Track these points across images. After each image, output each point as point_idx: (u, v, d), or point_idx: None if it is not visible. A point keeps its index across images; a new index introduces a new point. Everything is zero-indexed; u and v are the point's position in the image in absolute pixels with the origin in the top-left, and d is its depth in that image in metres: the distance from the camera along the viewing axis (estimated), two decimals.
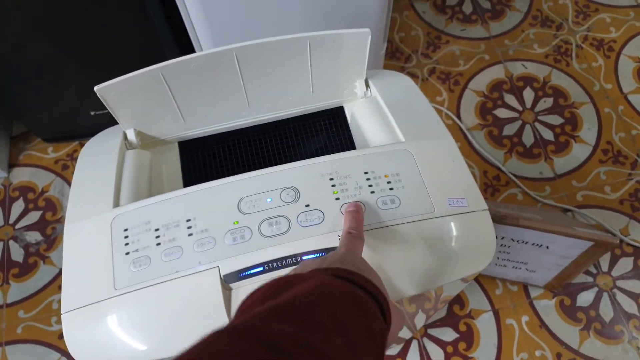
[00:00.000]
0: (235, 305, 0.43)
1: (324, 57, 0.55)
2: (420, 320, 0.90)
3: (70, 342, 0.42)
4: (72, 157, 1.13)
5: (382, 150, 0.50)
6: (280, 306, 0.28)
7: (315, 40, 0.53)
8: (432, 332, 0.97)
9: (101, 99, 0.51)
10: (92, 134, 1.22)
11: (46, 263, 1.01)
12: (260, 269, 0.43)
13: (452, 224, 0.47)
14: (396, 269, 0.46)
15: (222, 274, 0.43)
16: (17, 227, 1.05)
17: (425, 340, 0.96)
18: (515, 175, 1.11)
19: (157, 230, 0.45)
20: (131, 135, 0.55)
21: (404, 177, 0.48)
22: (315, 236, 0.44)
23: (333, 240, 0.44)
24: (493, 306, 0.99)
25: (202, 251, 0.43)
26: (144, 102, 0.53)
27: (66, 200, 1.08)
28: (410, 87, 0.60)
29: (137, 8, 0.86)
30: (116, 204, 0.48)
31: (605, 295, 1.00)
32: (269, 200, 0.46)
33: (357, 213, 0.44)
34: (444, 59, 1.27)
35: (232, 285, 0.43)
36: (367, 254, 0.45)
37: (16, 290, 0.99)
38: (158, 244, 0.44)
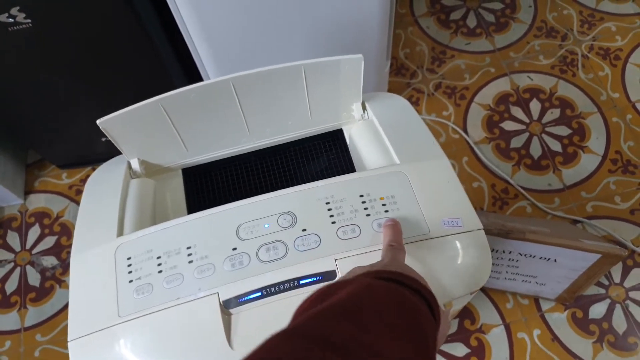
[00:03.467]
0: (235, 329, 0.44)
1: (319, 83, 0.57)
2: None
3: None
4: (85, 182, 1.16)
5: (377, 173, 0.51)
6: (332, 307, 0.29)
7: (309, 68, 0.55)
8: (443, 347, 0.97)
9: (104, 132, 0.53)
10: (104, 159, 1.25)
11: (62, 287, 1.04)
12: (259, 294, 0.44)
13: (447, 244, 0.47)
14: None
15: (221, 300, 0.44)
16: (33, 252, 1.08)
17: (436, 356, 0.96)
18: (523, 188, 1.11)
19: (158, 257, 0.46)
20: (135, 165, 0.58)
21: (399, 199, 0.49)
22: (312, 260, 0.45)
23: (330, 264, 0.45)
24: (504, 320, 0.98)
25: (202, 277, 0.45)
26: (146, 132, 0.55)
27: None
28: (406, 108, 0.61)
29: (145, 42, 0.89)
30: (120, 233, 0.50)
31: (617, 307, 0.98)
32: (266, 225, 0.47)
33: (395, 227, 0.46)
34: (450, 74, 1.28)
35: (232, 310, 0.44)
36: None
37: (33, 314, 1.01)
38: (160, 272, 0.45)
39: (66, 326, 0.99)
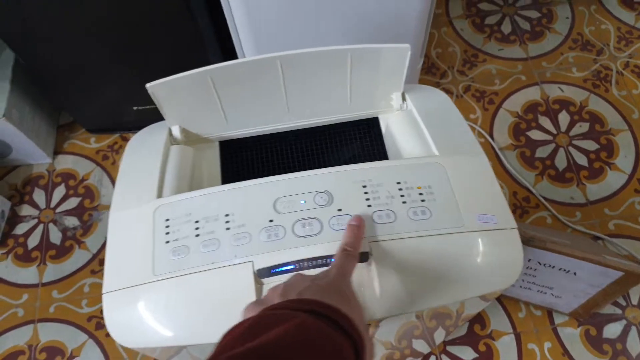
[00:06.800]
0: None
1: (363, 69, 0.57)
2: (439, 336, 0.90)
3: (109, 321, 0.45)
4: (113, 148, 1.18)
5: (415, 162, 0.51)
6: (255, 351, 0.29)
7: (356, 53, 0.55)
8: (451, 349, 0.97)
9: (151, 96, 0.54)
10: (133, 127, 1.26)
11: (81, 248, 1.06)
12: (292, 267, 0.45)
13: (481, 239, 0.48)
14: (422, 280, 0.47)
15: (255, 269, 0.45)
16: (57, 211, 1.10)
17: (444, 357, 0.96)
18: (545, 199, 1.10)
19: (196, 222, 0.47)
20: (176, 132, 0.58)
21: (436, 190, 0.49)
22: None
23: (363, 245, 0.46)
24: (515, 329, 0.98)
25: (238, 245, 0.46)
26: (191, 101, 0.56)
27: (104, 189, 1.13)
28: (446, 102, 0.61)
29: (184, 12, 0.89)
30: (159, 195, 0.51)
31: (633, 329, 0.97)
32: (303, 202, 0.48)
33: (357, 228, 0.45)
34: (480, 77, 1.28)
35: (264, 280, 0.45)
36: (395, 263, 0.46)
37: (52, 271, 1.03)
38: (197, 235, 0.46)
39: (82, 286, 1.02)
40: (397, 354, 0.90)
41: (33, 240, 1.07)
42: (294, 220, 0.47)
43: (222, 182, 0.60)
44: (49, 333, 0.98)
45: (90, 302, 1.00)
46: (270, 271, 0.45)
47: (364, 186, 0.49)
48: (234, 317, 0.44)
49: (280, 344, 0.29)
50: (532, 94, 1.25)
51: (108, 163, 1.16)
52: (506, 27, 1.36)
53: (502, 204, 0.50)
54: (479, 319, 0.99)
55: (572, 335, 0.97)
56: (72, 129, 1.21)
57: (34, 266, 1.04)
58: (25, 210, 1.11)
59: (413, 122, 0.58)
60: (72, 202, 1.11)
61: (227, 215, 0.47)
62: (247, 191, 0.49)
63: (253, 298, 0.44)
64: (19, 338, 0.97)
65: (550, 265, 0.86)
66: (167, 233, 0.47)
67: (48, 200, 1.12)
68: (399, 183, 0.49)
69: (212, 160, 0.62)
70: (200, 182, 0.59)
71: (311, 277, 0.39)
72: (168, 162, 0.55)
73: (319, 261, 0.45)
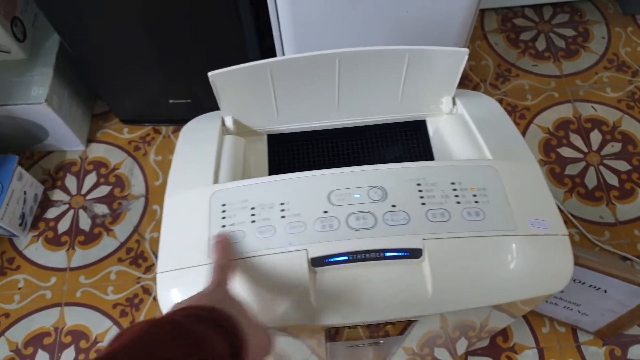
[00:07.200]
0: (318, 287, 0.45)
1: (418, 71, 0.58)
2: (461, 346, 0.89)
3: (162, 300, 0.46)
4: (145, 140, 1.20)
5: (469, 164, 0.52)
6: (109, 355, 0.29)
7: (414, 54, 0.55)
8: (473, 359, 0.96)
9: (212, 85, 0.55)
10: (167, 120, 1.27)
11: (109, 235, 1.07)
12: (345, 257, 0.45)
13: (533, 244, 0.48)
14: (472, 279, 0.47)
15: (309, 257, 0.45)
16: (87, 198, 1.12)
17: None
18: (573, 216, 1.10)
19: (252, 208, 0.48)
20: (229, 122, 0.59)
21: (490, 193, 0.49)
22: (400, 236, 0.46)
23: (417, 242, 0.46)
24: (538, 344, 0.97)
25: (293, 233, 0.46)
26: (247, 92, 0.57)
27: (134, 179, 1.14)
28: (496, 109, 0.61)
29: (231, 12, 0.91)
30: (215, 181, 0.51)
31: None
32: (357, 195, 0.49)
33: (223, 242, 0.46)
34: (512, 92, 1.28)
35: (317, 269, 0.46)
36: (447, 261, 0.46)
37: (80, 256, 1.05)
38: (253, 221, 0.47)
39: (108, 273, 1.03)
40: None
41: (63, 225, 1.08)
42: (348, 212, 0.47)
43: (269, 174, 0.61)
44: (75, 317, 0.99)
45: (116, 290, 1.01)
46: (324, 260, 0.45)
47: (418, 184, 0.49)
48: (288, 301, 0.45)
49: (127, 346, 0.30)
50: (564, 111, 1.25)
51: (139, 154, 1.18)
52: (541, 44, 1.36)
53: (554, 210, 0.50)
54: (502, 332, 0.99)
55: (596, 354, 0.96)
56: (106, 119, 1.23)
57: (63, 250, 1.05)
58: (57, 195, 1.12)
59: (464, 126, 0.59)
60: (103, 190, 1.13)
61: (282, 203, 0.48)
62: (302, 182, 0.50)
63: (306, 284, 0.44)
64: (45, 320, 0.98)
65: (580, 282, 0.85)
66: (224, 217, 0.48)
67: (79, 186, 1.13)
68: (453, 183, 0.50)
69: (260, 152, 0.62)
70: (249, 173, 0.60)
71: (196, 296, 0.40)
72: (223, 150, 0.55)
73: (373, 254, 0.45)
